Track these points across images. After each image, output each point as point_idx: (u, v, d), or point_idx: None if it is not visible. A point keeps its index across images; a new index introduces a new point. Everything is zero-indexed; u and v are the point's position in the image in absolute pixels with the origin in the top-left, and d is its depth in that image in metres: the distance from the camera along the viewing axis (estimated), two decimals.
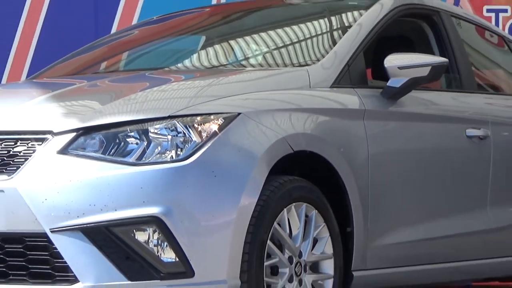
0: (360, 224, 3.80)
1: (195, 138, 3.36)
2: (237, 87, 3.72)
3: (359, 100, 3.96)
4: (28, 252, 3.32)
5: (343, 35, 4.18)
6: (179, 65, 4.43)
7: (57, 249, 3.25)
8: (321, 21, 4.57)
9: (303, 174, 3.66)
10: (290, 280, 3.53)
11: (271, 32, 4.61)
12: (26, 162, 3.35)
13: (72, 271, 3.25)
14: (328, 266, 3.67)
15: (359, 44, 4.13)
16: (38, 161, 3.34)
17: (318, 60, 4.03)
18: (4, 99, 3.90)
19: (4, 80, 6.45)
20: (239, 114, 3.46)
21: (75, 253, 3.24)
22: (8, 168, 3.36)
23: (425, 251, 4.25)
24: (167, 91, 3.73)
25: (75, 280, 3.24)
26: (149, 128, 3.36)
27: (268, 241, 3.43)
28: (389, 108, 4.08)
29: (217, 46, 4.61)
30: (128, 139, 3.36)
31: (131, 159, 3.32)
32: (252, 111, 3.52)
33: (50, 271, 3.29)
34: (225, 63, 4.43)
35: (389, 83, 4.06)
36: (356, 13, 4.40)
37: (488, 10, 6.69)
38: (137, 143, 3.35)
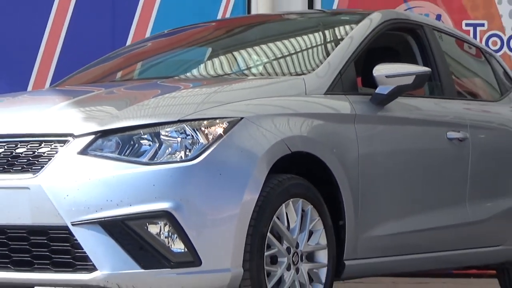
0: (351, 218, 3.80)
1: (202, 140, 3.36)
2: (240, 94, 3.72)
3: (350, 106, 3.96)
4: (51, 243, 3.32)
5: (336, 47, 4.18)
6: (188, 74, 4.44)
7: (77, 240, 3.25)
8: (316, 34, 4.57)
9: (299, 172, 3.65)
10: (288, 268, 3.52)
11: (270, 44, 4.61)
12: (50, 162, 3.34)
13: (91, 260, 3.25)
14: (323, 256, 3.67)
15: (350, 55, 4.13)
16: (60, 161, 3.34)
17: (313, 69, 4.03)
18: (30, 105, 3.92)
19: (30, 88, 6.44)
20: (241, 118, 3.46)
21: (94, 244, 3.25)
22: (33, 167, 3.36)
23: (410, 242, 4.24)
24: (177, 97, 3.74)
25: (93, 268, 3.24)
26: (160, 131, 3.36)
27: (268, 233, 3.43)
28: (378, 113, 4.08)
29: (222, 57, 4.61)
30: (141, 141, 3.35)
31: (145, 159, 3.32)
32: (254, 115, 3.52)
33: (71, 260, 3.29)
34: (229, 72, 4.42)
35: (377, 90, 4.05)
36: (347, 27, 4.39)
37: (467, 24, 6.69)
38: (149, 145, 3.35)
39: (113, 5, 6.58)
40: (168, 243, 3.27)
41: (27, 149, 3.41)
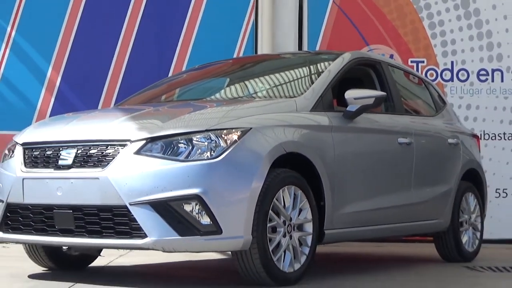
0: (329, 200, 3.80)
1: (222, 144, 3.37)
2: (249, 111, 3.71)
3: (328, 120, 3.95)
4: (114, 218, 3.34)
5: (318, 77, 4.16)
6: (212, 96, 4.44)
7: (133, 216, 3.27)
8: (303, 68, 4.56)
9: (292, 167, 3.64)
10: (284, 235, 3.52)
11: (271, 75, 4.61)
12: (113, 159, 3.36)
13: (143, 230, 3.27)
14: (309, 227, 3.66)
15: (328, 83, 4.12)
16: (121, 159, 3.35)
17: (302, 93, 4.01)
18: (100, 119, 3.93)
19: (99, 106, 6.44)
20: (250, 128, 3.47)
21: (145, 218, 3.26)
22: (102, 164, 3.38)
23: (371, 217, 4.23)
24: (204, 113, 3.74)
25: (145, 236, 3.26)
26: (193, 137, 3.37)
27: (270, 211, 3.43)
28: (348, 125, 4.07)
29: (236, 85, 4.61)
30: (179, 145, 3.36)
31: (181, 157, 3.33)
32: (259, 126, 3.52)
33: (128, 230, 3.31)
34: (241, 96, 4.42)
35: (348, 108, 4.05)
36: (326, 63, 4.38)
37: (412, 61, 6.67)
38: (185, 147, 3.35)
39: (160, 47, 6.57)
40: (198, 217, 3.27)
41: (97, 150, 3.44)
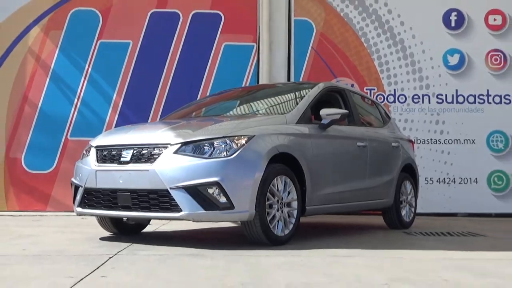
0: (309, 185, 3.78)
1: (234, 146, 3.36)
2: (253, 123, 3.69)
3: (308, 130, 3.93)
4: (159, 198, 3.33)
5: (301, 100, 4.16)
6: (227, 113, 4.43)
7: (172, 196, 3.27)
8: (291, 93, 4.54)
9: (283, 162, 3.62)
10: (277, 210, 3.52)
11: (268, 98, 4.59)
12: (158, 157, 3.36)
13: (179, 206, 3.26)
14: (295, 204, 3.65)
15: (308, 104, 4.11)
16: (164, 157, 3.35)
17: (290, 111, 3.99)
18: (149, 129, 3.90)
19: (149, 120, 6.46)
20: (254, 135, 3.46)
21: (181, 198, 3.26)
22: (150, 160, 3.38)
23: (338, 197, 4.21)
24: (222, 125, 3.72)
25: (180, 210, 3.26)
26: (214, 141, 3.36)
27: (268, 193, 3.42)
28: (322, 133, 4.06)
29: (244, 105, 4.60)
30: (204, 147, 3.36)
31: (206, 156, 3.32)
32: (260, 134, 3.51)
33: (169, 206, 3.31)
34: (248, 113, 4.41)
35: (322, 122, 4.04)
36: (306, 90, 4.36)
37: (366, 89, 6.68)
38: (208, 148, 3.35)
39: (191, 79, 6.57)
40: (218, 197, 3.27)
41: (147, 151, 3.43)
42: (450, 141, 6.73)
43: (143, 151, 3.44)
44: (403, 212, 5.14)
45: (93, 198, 3.60)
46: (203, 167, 3.27)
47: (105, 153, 3.62)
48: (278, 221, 3.51)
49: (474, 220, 6.14)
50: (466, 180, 6.68)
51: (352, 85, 6.54)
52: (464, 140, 6.73)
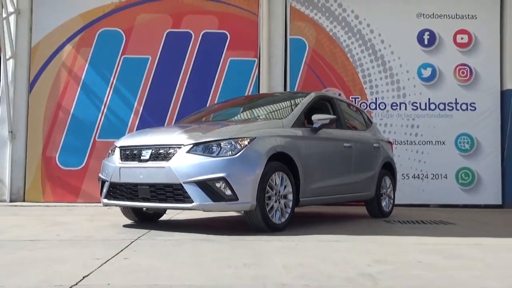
0: (303, 180, 3.77)
1: (238, 147, 3.35)
2: (255, 127, 3.68)
3: (301, 132, 3.92)
4: (174, 191, 3.32)
5: (296, 107, 4.15)
6: (232, 118, 4.42)
7: (185, 189, 3.26)
8: (287, 101, 4.52)
9: (280, 160, 3.61)
10: (275, 202, 3.51)
11: (268, 105, 4.58)
12: (173, 156, 3.35)
13: (191, 197, 3.25)
14: (290, 196, 3.64)
15: (302, 110, 4.10)
16: (178, 156, 3.34)
17: (286, 117, 3.98)
18: (165, 131, 3.87)
19: (165, 123, 6.47)
20: (255, 137, 3.45)
21: (192, 191, 3.25)
22: (166, 158, 3.37)
23: (328, 190, 4.19)
24: (228, 128, 3.69)
25: (192, 201, 3.25)
26: (221, 142, 3.36)
27: (267, 187, 3.42)
28: (313, 136, 4.04)
29: (247, 111, 4.59)
30: (213, 147, 3.35)
31: (214, 155, 3.31)
32: (261, 136, 3.50)
33: (182, 198, 3.29)
34: (250, 118, 4.40)
35: (313, 125, 4.03)
36: (300, 98, 4.36)
37: (351, 97, 6.68)
38: (216, 148, 3.34)
39: (201, 89, 6.57)
40: (224, 190, 3.26)
41: (164, 150, 3.42)
42: (423, 143, 6.73)
43: (160, 151, 3.43)
44: (383, 203, 5.13)
45: (117, 191, 3.59)
46: (212, 164, 3.26)
47: (127, 152, 3.61)
48: (276, 211, 3.51)
49: (444, 210, 6.14)
50: (437, 176, 6.68)
51: (340, 94, 6.54)
52: (435, 142, 6.74)
